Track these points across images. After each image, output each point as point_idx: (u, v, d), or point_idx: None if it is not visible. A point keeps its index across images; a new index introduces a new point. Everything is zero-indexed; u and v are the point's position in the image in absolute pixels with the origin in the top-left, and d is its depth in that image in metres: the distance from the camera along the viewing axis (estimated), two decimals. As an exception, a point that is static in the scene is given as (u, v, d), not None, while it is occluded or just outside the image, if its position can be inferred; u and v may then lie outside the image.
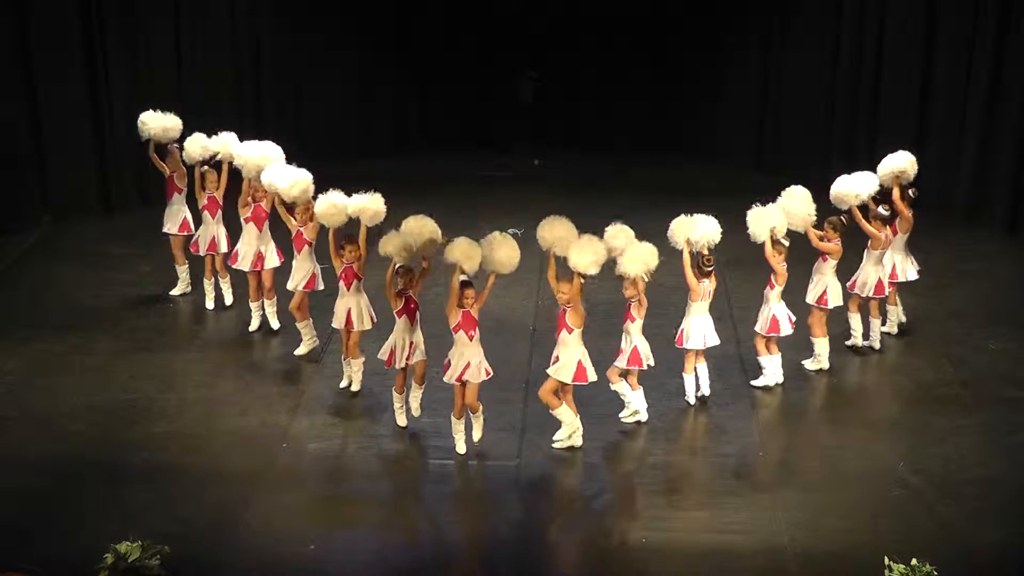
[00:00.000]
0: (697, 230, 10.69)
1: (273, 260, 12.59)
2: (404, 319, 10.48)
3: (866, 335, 12.25)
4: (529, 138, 19.78)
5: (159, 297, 13.59)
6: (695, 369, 11.13)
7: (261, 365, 12.16)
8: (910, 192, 12.29)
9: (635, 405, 10.77)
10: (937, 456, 10.30)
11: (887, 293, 12.21)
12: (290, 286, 11.99)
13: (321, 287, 12.04)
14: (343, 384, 11.49)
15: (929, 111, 16.55)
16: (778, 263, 11.11)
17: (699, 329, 10.96)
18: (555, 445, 10.38)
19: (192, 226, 13.26)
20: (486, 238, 10.19)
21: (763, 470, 10.22)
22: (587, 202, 15.71)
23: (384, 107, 19.86)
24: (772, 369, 11.46)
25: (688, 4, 19.05)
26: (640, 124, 19.85)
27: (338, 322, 11.25)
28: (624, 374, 10.69)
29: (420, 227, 10.37)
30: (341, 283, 11.17)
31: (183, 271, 13.59)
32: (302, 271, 11.94)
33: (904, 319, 12.67)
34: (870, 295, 12.05)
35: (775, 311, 11.29)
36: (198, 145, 12.82)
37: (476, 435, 10.39)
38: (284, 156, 12.19)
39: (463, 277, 10.05)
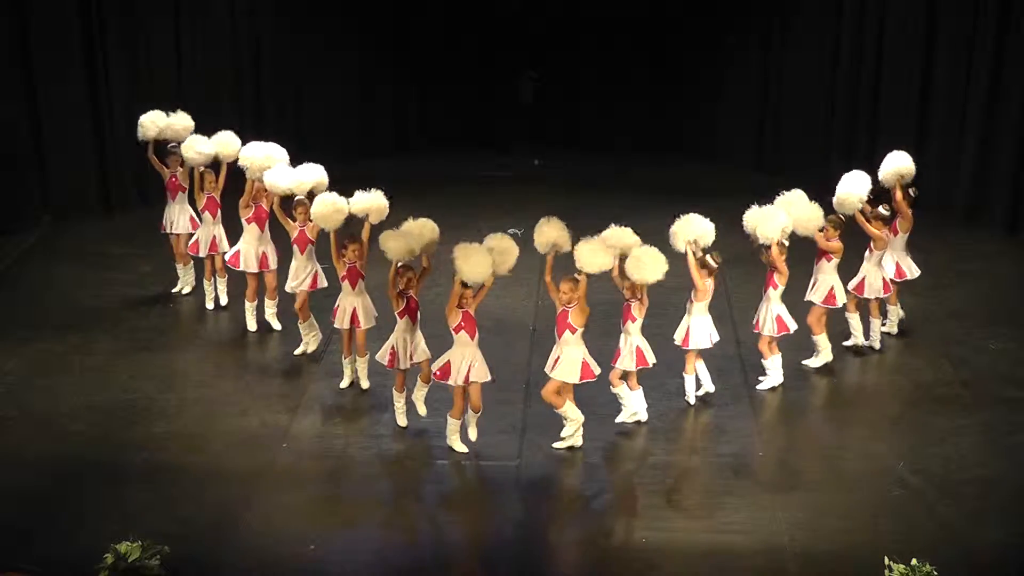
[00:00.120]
0: (695, 230, 10.67)
1: (275, 260, 12.60)
2: (406, 319, 10.48)
3: (866, 335, 12.26)
4: (529, 138, 19.78)
5: (159, 297, 13.60)
6: (695, 369, 11.14)
7: (261, 365, 12.16)
8: (910, 192, 12.30)
9: (633, 408, 10.76)
10: (937, 456, 10.30)
11: (891, 292, 12.24)
12: (292, 287, 11.98)
13: (324, 284, 12.06)
14: (343, 384, 11.48)
15: (929, 111, 16.55)
16: (782, 263, 11.12)
17: (704, 329, 10.97)
18: (556, 445, 10.38)
19: (198, 224, 13.25)
20: (486, 241, 10.18)
21: (763, 470, 10.22)
22: (587, 202, 15.76)
23: (384, 107, 19.86)
24: (776, 370, 11.46)
25: (688, 4, 19.05)
26: (640, 124, 19.85)
27: (343, 322, 11.23)
28: (624, 375, 10.68)
29: (421, 228, 10.39)
30: (345, 283, 11.16)
31: (188, 270, 13.60)
32: (305, 271, 11.94)
33: (903, 314, 12.67)
34: (879, 296, 12.07)
35: (779, 311, 11.29)
36: (198, 146, 12.82)
37: (473, 434, 10.39)
38: (288, 157, 12.22)
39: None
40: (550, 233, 10.22)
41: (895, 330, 12.59)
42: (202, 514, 9.40)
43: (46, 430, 10.68)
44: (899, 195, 12.21)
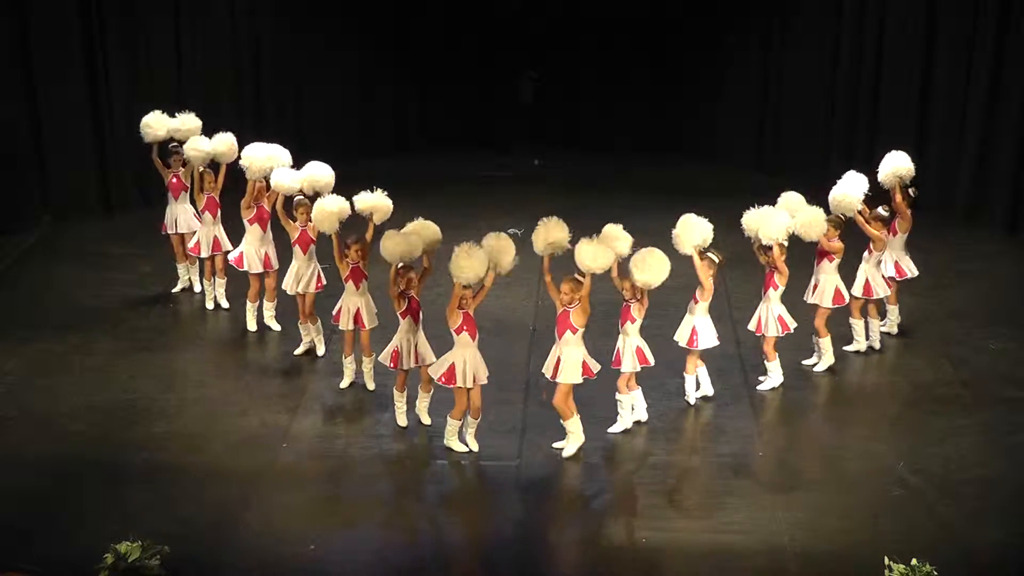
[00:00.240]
0: (700, 233, 10.66)
1: (277, 261, 12.60)
2: (408, 320, 10.47)
3: (866, 335, 12.26)
4: (529, 138, 19.79)
5: (159, 297, 13.60)
6: (695, 369, 11.14)
7: (261, 365, 12.16)
8: (910, 192, 12.30)
9: (628, 422, 10.72)
10: (937, 456, 10.30)
11: (892, 291, 12.26)
12: (300, 289, 11.94)
13: (324, 283, 12.07)
14: (343, 384, 11.48)
15: (929, 111, 16.55)
16: (783, 263, 11.12)
17: (708, 329, 10.98)
18: (556, 445, 10.36)
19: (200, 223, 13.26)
20: (484, 241, 10.18)
21: (763, 470, 10.22)
22: (587, 202, 15.77)
23: (384, 107, 19.87)
24: (777, 370, 11.46)
25: (688, 4, 19.07)
26: (640, 124, 19.86)
27: (347, 323, 11.22)
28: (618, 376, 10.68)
29: (421, 229, 10.40)
30: (349, 283, 11.16)
31: (191, 269, 13.60)
32: (309, 272, 11.94)
33: (899, 318, 12.69)
34: (885, 295, 12.09)
35: (780, 311, 11.29)
36: (198, 147, 12.83)
37: (474, 445, 10.38)
38: (291, 159, 12.24)
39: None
40: (549, 234, 10.21)
41: (895, 330, 12.59)
42: (202, 514, 9.40)
43: (46, 430, 10.68)
44: (899, 196, 12.20)
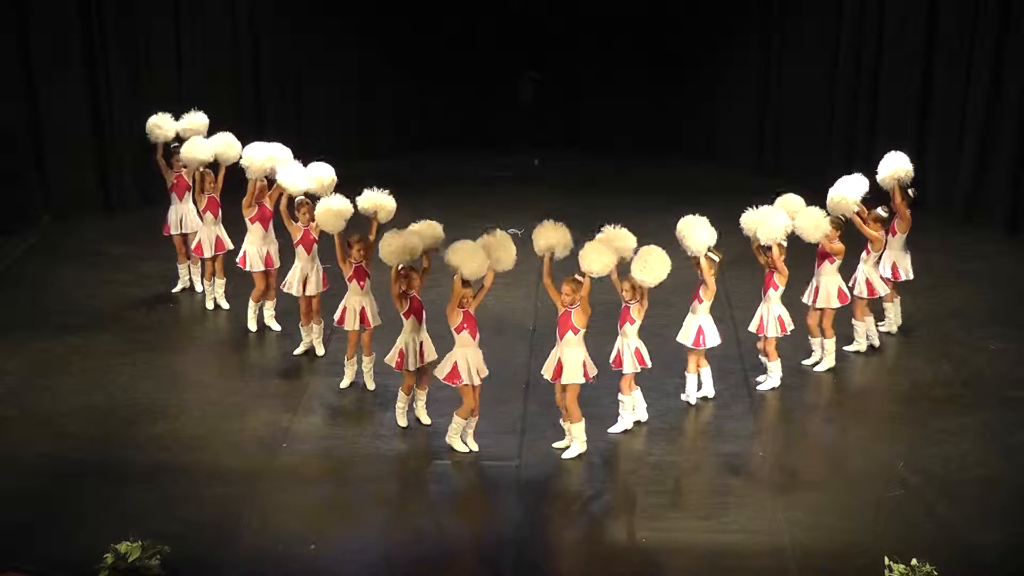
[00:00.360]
0: (707, 237, 10.65)
1: (279, 260, 12.60)
2: (411, 320, 10.47)
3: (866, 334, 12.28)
4: (529, 138, 19.78)
5: (159, 297, 13.60)
6: (697, 368, 11.15)
7: (261, 365, 12.16)
8: (909, 192, 12.30)
9: (629, 422, 10.72)
10: (937, 456, 10.30)
11: (890, 289, 12.27)
12: (310, 291, 11.90)
13: (328, 283, 12.08)
14: (344, 384, 11.47)
15: (929, 111, 16.55)
16: (782, 263, 11.12)
17: (712, 328, 10.99)
18: (563, 455, 10.36)
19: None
20: (483, 237, 10.19)
21: (763, 470, 10.21)
22: (587, 202, 15.76)
23: (384, 107, 19.86)
24: (777, 371, 11.46)
25: (688, 4, 19.06)
26: (640, 124, 19.85)
27: (354, 323, 11.20)
28: (620, 377, 10.68)
29: (421, 229, 10.40)
30: (353, 282, 11.15)
31: (191, 269, 13.59)
32: (314, 273, 11.92)
33: (899, 319, 12.69)
34: (884, 294, 12.10)
35: (780, 311, 11.29)
36: (199, 147, 12.83)
37: (474, 446, 10.39)
38: (291, 156, 12.23)
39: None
40: (549, 235, 10.21)
41: (895, 329, 12.59)
42: (202, 514, 9.40)
43: (46, 430, 10.68)
44: (898, 196, 12.20)
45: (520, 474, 10.13)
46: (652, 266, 10.14)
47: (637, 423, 10.78)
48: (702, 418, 11.07)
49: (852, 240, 11.84)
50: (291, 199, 11.87)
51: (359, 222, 11.20)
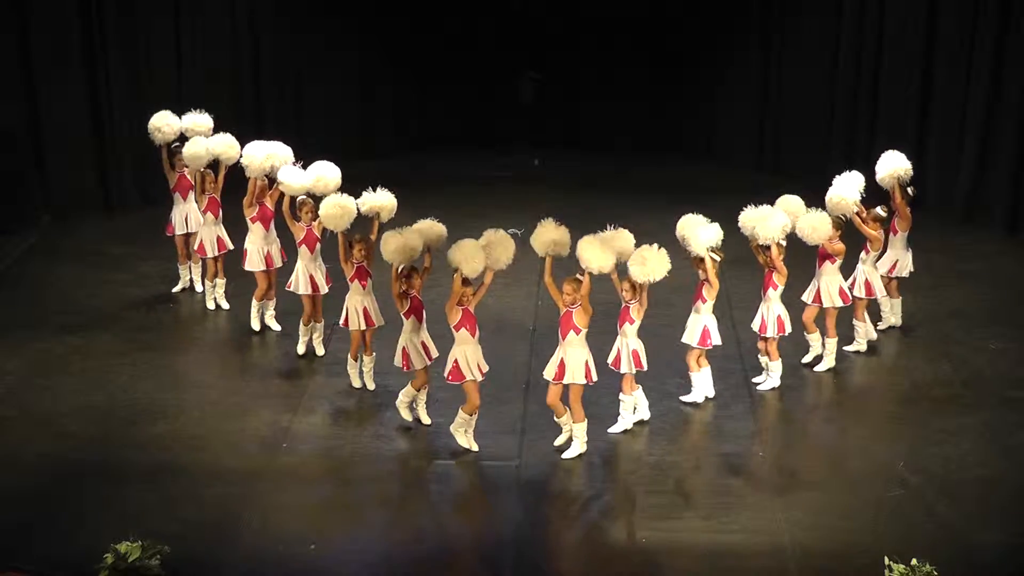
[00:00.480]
0: (712, 236, 10.65)
1: (280, 259, 12.60)
2: (412, 319, 10.47)
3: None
4: (529, 138, 19.78)
5: (159, 297, 13.60)
6: (700, 367, 11.16)
7: (262, 365, 12.16)
8: (908, 191, 12.31)
9: (629, 423, 10.72)
10: (937, 456, 10.30)
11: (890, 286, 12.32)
12: (311, 290, 11.92)
13: (331, 282, 12.08)
14: (355, 384, 11.40)
15: (929, 111, 16.55)
16: (781, 263, 11.12)
17: (715, 327, 11.01)
18: (563, 455, 10.35)
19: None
20: (484, 236, 10.19)
21: (763, 470, 10.21)
22: (587, 202, 15.77)
23: (384, 107, 19.87)
24: (777, 371, 11.46)
25: (688, 4, 19.07)
26: (640, 124, 19.86)
27: (358, 323, 11.20)
28: (620, 377, 10.68)
29: (422, 229, 10.40)
30: (355, 282, 11.14)
31: (191, 269, 13.59)
32: (318, 272, 11.91)
33: (900, 316, 12.71)
34: (882, 294, 12.12)
35: (779, 311, 11.30)
36: (199, 147, 12.82)
37: (474, 446, 10.39)
38: (292, 155, 12.23)
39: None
40: (549, 235, 10.21)
41: (899, 322, 12.61)
42: (202, 514, 9.40)
43: (46, 430, 10.68)
44: (898, 195, 12.22)
45: (520, 474, 10.12)
46: (651, 263, 10.14)
47: (639, 423, 10.78)
48: (702, 418, 11.07)
49: (852, 240, 11.84)
50: (293, 198, 11.87)
51: (359, 222, 11.19)
